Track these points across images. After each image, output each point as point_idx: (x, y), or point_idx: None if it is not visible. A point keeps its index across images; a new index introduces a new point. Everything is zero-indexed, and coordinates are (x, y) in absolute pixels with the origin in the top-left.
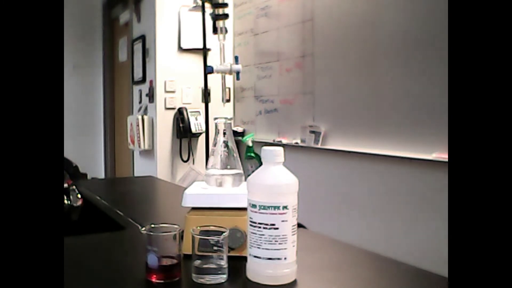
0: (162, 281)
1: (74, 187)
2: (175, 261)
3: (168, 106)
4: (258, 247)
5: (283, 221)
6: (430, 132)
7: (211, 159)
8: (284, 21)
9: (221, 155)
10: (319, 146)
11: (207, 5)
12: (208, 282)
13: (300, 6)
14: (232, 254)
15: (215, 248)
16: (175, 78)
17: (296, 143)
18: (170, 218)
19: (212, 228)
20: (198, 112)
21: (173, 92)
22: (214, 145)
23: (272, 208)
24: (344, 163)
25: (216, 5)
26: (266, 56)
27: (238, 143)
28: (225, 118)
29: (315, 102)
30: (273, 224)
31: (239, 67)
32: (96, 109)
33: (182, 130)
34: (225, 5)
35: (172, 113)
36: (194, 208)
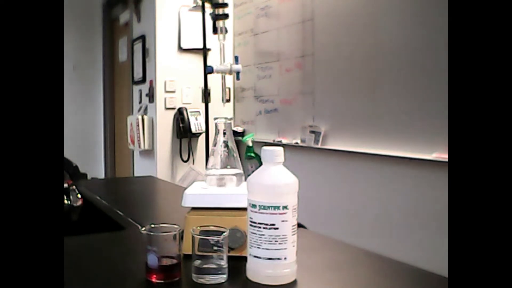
0: (162, 281)
1: (74, 187)
2: (175, 261)
3: (168, 106)
4: (258, 247)
5: (283, 221)
6: (430, 132)
7: (211, 159)
8: (284, 21)
9: (221, 155)
10: (319, 146)
11: (207, 5)
12: (208, 282)
13: (300, 6)
14: (232, 254)
15: (215, 248)
16: (175, 78)
17: (296, 143)
18: (170, 218)
19: (212, 228)
20: (198, 112)
21: (173, 92)
22: (214, 145)
23: (272, 208)
24: (344, 163)
25: (216, 5)
26: (266, 56)
27: (238, 143)
28: (225, 118)
29: (315, 102)
30: (273, 224)
31: (239, 67)
32: (96, 109)
33: (182, 130)
34: (225, 5)
35: (172, 113)
36: (194, 208)
